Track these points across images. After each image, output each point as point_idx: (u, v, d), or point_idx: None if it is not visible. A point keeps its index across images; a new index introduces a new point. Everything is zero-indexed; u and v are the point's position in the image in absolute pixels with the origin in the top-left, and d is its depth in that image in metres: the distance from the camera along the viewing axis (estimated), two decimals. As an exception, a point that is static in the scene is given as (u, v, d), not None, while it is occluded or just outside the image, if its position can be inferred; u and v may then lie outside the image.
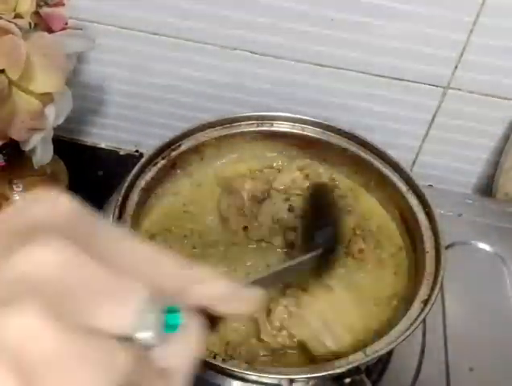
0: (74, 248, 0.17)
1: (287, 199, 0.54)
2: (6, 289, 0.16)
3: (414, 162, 0.70)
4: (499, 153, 0.66)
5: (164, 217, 0.53)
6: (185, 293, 0.20)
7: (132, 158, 0.73)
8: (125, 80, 0.68)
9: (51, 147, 0.55)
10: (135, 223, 0.49)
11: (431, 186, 0.68)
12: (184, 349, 0.20)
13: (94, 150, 0.74)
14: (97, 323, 0.17)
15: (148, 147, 0.53)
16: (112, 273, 0.18)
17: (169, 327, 0.19)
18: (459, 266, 0.55)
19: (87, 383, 0.16)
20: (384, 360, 0.49)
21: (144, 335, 0.18)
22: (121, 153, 0.74)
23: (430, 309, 0.43)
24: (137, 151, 0.74)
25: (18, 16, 0.47)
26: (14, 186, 0.58)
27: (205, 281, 0.21)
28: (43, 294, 0.16)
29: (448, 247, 0.52)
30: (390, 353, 0.49)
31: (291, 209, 0.53)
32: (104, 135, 0.74)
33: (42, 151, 0.53)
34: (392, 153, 0.55)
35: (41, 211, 0.18)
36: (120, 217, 0.47)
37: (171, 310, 0.19)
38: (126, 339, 0.18)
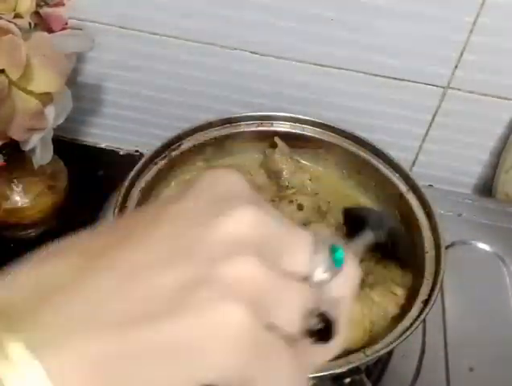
0: (261, 212, 0.21)
1: (291, 201, 0.53)
2: (220, 247, 0.20)
3: (414, 162, 0.70)
4: (499, 153, 0.66)
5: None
6: None
7: (132, 158, 0.73)
8: (125, 80, 0.68)
9: (50, 147, 0.55)
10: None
11: (431, 186, 0.68)
12: (347, 279, 0.23)
13: (94, 150, 0.74)
14: (290, 267, 0.21)
15: (148, 147, 0.53)
16: (287, 227, 0.22)
17: (336, 262, 0.22)
18: (459, 266, 0.55)
19: (293, 305, 0.21)
20: (384, 360, 0.49)
21: (319, 271, 0.22)
22: (122, 153, 0.74)
23: (430, 309, 0.43)
24: (137, 151, 0.74)
25: (18, 16, 0.47)
26: (14, 186, 0.58)
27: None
28: (249, 247, 0.20)
29: (447, 247, 0.52)
30: (390, 353, 0.49)
31: (300, 207, 0.53)
32: (104, 135, 0.74)
33: (42, 151, 0.53)
34: (392, 153, 0.55)
35: (228, 185, 0.22)
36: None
37: (334, 248, 0.22)
38: (308, 278, 0.22)
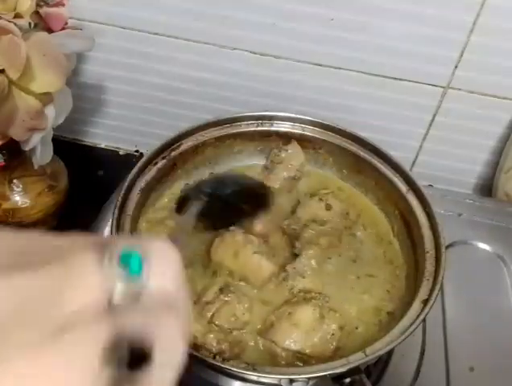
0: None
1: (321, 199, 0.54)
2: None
3: (414, 162, 0.69)
4: (499, 153, 0.66)
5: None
6: None
7: (132, 158, 0.73)
8: (125, 80, 0.68)
9: (51, 147, 0.55)
10: (135, 223, 0.49)
11: (431, 186, 0.68)
12: (165, 271, 0.21)
13: (94, 150, 0.74)
14: (73, 307, 0.18)
15: (148, 147, 0.53)
16: (43, 268, 0.19)
17: (133, 269, 0.20)
18: (459, 266, 0.55)
19: (84, 358, 0.18)
20: (384, 360, 0.49)
21: (118, 289, 0.19)
22: (121, 153, 0.74)
23: (430, 309, 0.43)
24: (137, 151, 0.74)
25: (18, 16, 0.47)
26: (14, 186, 0.58)
27: None
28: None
29: (448, 247, 0.52)
30: (390, 353, 0.49)
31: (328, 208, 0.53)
32: (104, 135, 0.74)
33: (42, 151, 0.53)
34: (392, 153, 0.55)
35: None
36: (119, 217, 0.47)
37: (127, 255, 0.20)
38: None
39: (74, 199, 0.63)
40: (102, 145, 0.75)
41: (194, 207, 0.46)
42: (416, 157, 0.69)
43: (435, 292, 0.44)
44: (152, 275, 0.20)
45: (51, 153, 0.55)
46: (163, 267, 0.21)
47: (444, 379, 0.49)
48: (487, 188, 0.69)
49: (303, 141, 0.57)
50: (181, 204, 0.52)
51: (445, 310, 0.53)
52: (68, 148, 0.64)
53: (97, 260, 0.19)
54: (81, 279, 0.19)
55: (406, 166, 0.54)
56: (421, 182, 0.52)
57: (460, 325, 0.53)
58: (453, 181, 0.69)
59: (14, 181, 0.58)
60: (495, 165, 0.67)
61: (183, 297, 0.22)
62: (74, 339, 0.18)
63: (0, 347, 0.17)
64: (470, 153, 0.67)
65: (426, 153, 0.68)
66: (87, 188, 0.65)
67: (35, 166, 0.54)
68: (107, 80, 0.68)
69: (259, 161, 0.58)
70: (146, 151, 0.54)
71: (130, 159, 0.73)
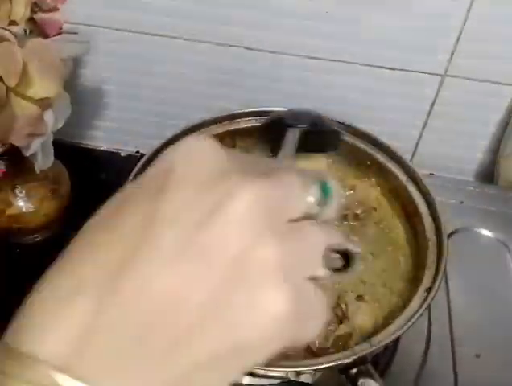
0: (248, 183, 0.20)
1: None
2: (235, 229, 0.20)
3: (414, 152, 0.69)
4: (499, 139, 0.66)
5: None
6: None
7: (133, 159, 0.73)
8: (123, 82, 0.68)
9: (51, 151, 0.55)
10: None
11: (432, 174, 0.68)
12: (334, 207, 0.25)
13: (95, 153, 0.74)
14: (293, 215, 0.22)
15: (149, 148, 0.53)
16: (276, 179, 0.21)
17: (326, 194, 0.24)
18: (462, 253, 0.55)
19: (318, 249, 0.23)
20: (390, 350, 0.49)
21: (316, 207, 0.23)
22: (123, 154, 0.75)
23: (433, 296, 0.43)
24: (138, 152, 0.74)
25: (12, 23, 0.47)
26: (17, 192, 0.58)
27: None
28: (260, 225, 0.20)
29: (450, 234, 0.52)
30: (396, 343, 0.49)
31: None
32: (104, 137, 0.74)
33: (43, 156, 0.53)
34: (391, 143, 0.55)
35: (205, 162, 0.21)
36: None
37: (323, 183, 0.24)
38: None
39: (77, 202, 0.64)
40: (103, 148, 0.75)
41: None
42: (416, 146, 0.69)
43: (438, 280, 0.44)
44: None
45: (52, 157, 0.55)
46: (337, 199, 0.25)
47: (451, 366, 0.49)
48: (488, 175, 0.69)
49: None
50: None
51: (450, 297, 0.54)
52: (69, 151, 0.64)
53: (302, 181, 0.23)
54: (300, 195, 0.22)
55: (407, 156, 0.54)
56: (422, 171, 0.53)
57: (465, 312, 0.53)
58: (454, 169, 0.69)
59: (17, 187, 0.58)
60: (495, 151, 0.67)
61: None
62: (304, 238, 0.22)
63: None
64: (470, 140, 0.67)
65: (426, 142, 0.68)
66: (89, 191, 0.65)
67: (37, 171, 0.54)
68: (105, 82, 0.68)
69: (259, 156, 0.59)
70: (147, 152, 0.54)
71: (131, 160, 0.73)
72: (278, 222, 0.21)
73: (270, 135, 0.54)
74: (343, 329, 0.45)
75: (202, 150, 0.21)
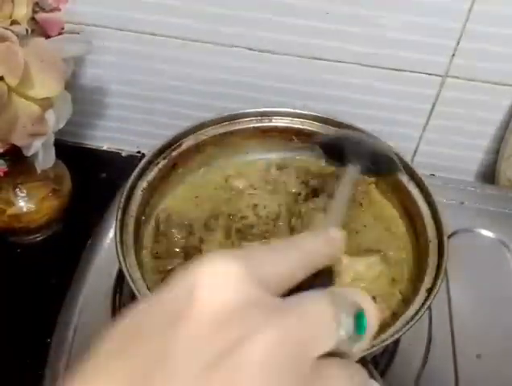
0: (272, 320, 0.19)
1: None
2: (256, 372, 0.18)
3: (415, 152, 0.70)
4: (500, 139, 0.66)
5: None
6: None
7: (134, 159, 0.74)
8: (124, 82, 0.68)
9: (53, 151, 0.55)
10: (138, 224, 0.49)
11: (433, 175, 0.68)
12: (366, 342, 0.22)
13: (96, 153, 0.75)
14: (319, 351, 0.20)
15: (150, 147, 0.53)
16: (301, 310, 0.20)
17: (360, 328, 0.21)
18: (463, 254, 0.55)
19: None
20: (391, 350, 0.49)
21: (346, 342, 0.21)
22: (124, 154, 0.75)
23: (434, 297, 0.43)
24: (139, 152, 0.74)
25: (14, 23, 0.47)
26: (19, 192, 0.58)
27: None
28: (280, 369, 0.19)
29: (451, 235, 0.52)
30: (396, 342, 0.49)
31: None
32: (106, 137, 0.74)
33: (44, 156, 0.53)
34: (393, 143, 0.55)
35: (221, 293, 0.20)
36: (123, 219, 0.47)
37: (359, 315, 0.21)
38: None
39: (78, 201, 0.64)
40: (104, 148, 0.75)
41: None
42: (417, 147, 0.69)
43: (439, 280, 0.44)
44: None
45: (54, 157, 0.56)
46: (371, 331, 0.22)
47: (452, 366, 0.49)
48: (489, 175, 0.69)
49: (302, 135, 0.57)
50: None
51: (451, 297, 0.54)
52: (70, 151, 0.64)
53: (333, 313, 0.20)
54: (329, 331, 0.20)
55: (408, 157, 0.54)
56: (423, 172, 0.52)
57: (466, 312, 0.53)
58: (455, 169, 0.69)
59: (19, 186, 0.58)
60: (496, 152, 0.67)
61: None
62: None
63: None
64: (471, 140, 0.67)
65: (427, 143, 0.68)
66: (90, 190, 0.66)
67: (38, 171, 0.54)
68: (106, 82, 0.69)
69: (260, 157, 0.59)
70: (148, 152, 0.54)
71: (132, 160, 0.73)
72: (302, 365, 0.19)
73: (328, 149, 0.53)
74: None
75: (227, 276, 0.20)
